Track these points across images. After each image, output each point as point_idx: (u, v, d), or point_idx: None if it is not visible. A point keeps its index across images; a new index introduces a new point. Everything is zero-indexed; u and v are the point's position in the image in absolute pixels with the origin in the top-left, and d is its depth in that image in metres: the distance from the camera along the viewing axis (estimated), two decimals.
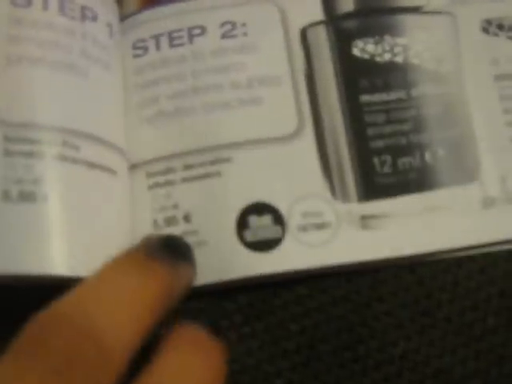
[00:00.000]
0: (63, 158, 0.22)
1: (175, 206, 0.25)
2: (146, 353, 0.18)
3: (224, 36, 0.27)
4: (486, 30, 0.27)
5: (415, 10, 0.27)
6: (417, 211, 0.25)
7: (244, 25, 0.27)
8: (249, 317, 0.24)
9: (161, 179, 0.25)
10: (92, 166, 0.23)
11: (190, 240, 0.23)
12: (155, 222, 0.25)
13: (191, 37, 0.27)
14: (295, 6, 0.27)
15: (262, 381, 0.24)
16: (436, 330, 0.24)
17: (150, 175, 0.25)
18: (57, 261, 0.21)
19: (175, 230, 0.24)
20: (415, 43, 0.26)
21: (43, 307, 0.16)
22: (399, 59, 0.26)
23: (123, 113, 0.26)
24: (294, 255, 0.24)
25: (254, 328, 0.24)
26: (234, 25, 0.27)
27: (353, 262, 0.24)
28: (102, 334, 0.16)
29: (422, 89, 0.26)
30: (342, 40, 0.26)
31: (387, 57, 0.26)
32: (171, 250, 0.20)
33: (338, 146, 0.25)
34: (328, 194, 0.25)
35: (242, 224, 0.24)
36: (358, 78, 0.26)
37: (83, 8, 0.25)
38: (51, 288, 0.18)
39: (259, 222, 0.24)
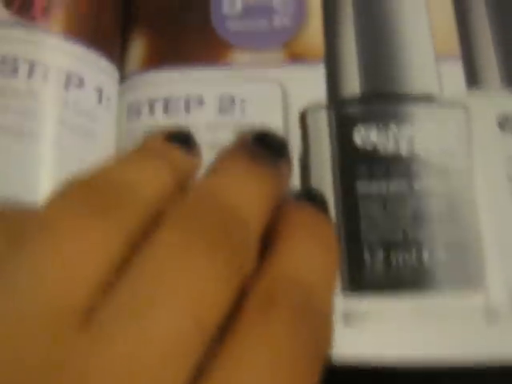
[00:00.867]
0: None
1: None
2: None
3: (221, 110, 0.26)
4: (502, 126, 0.25)
5: (427, 98, 0.25)
6: (406, 313, 0.22)
7: (243, 101, 0.26)
8: None
9: None
10: None
11: None
12: None
13: (188, 107, 0.26)
14: (298, 86, 0.26)
15: None
16: None
17: None
18: None
19: None
20: (422, 134, 0.24)
21: None
22: (403, 150, 0.24)
23: None
24: None
25: None
26: (232, 100, 0.26)
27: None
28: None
29: (426, 182, 0.24)
30: (343, 125, 0.25)
31: (391, 147, 0.24)
32: (272, 150, 0.19)
33: None
34: None
35: None
36: (356, 166, 0.24)
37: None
38: None
39: None
